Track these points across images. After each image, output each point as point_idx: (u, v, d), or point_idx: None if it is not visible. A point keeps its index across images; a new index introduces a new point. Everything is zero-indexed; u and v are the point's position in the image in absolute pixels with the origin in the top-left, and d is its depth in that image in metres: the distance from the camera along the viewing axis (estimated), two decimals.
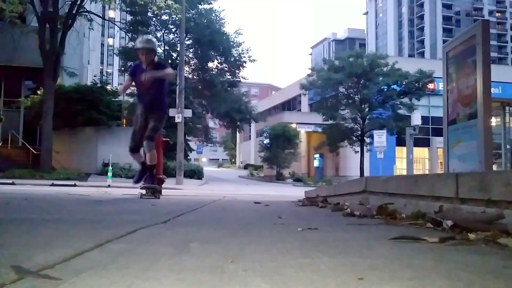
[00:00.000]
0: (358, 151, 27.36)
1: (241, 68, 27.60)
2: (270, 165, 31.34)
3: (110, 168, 13.72)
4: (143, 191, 5.18)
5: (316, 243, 1.47)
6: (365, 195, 3.28)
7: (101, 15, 21.94)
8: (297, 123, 34.33)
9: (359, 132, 27.49)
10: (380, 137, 21.64)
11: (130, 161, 17.69)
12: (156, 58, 5.47)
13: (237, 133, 51.26)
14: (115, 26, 30.16)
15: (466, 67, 4.54)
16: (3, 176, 13.36)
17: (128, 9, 24.55)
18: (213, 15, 26.34)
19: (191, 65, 27.61)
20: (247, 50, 27.29)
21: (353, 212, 2.68)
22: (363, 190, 3.36)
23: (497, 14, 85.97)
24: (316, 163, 34.07)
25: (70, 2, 16.70)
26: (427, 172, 32.60)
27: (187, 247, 1.33)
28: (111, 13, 33.93)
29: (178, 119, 16.83)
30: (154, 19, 25.75)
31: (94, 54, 36.85)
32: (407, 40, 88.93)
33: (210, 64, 27.61)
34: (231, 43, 26.69)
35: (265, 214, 3.02)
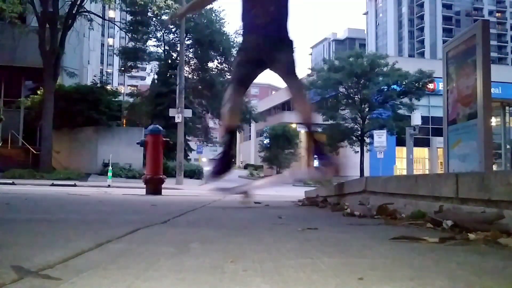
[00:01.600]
0: (358, 151, 27.36)
1: None
2: (270, 165, 31.37)
3: (110, 168, 13.73)
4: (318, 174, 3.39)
5: (316, 243, 1.47)
6: (365, 195, 3.28)
7: (101, 15, 21.96)
8: (297, 123, 34.33)
9: (359, 132, 27.50)
10: (380, 137, 21.65)
11: (130, 161, 17.77)
12: None
13: (237, 133, 51.28)
14: (115, 26, 30.18)
15: (466, 67, 4.54)
16: (3, 176, 13.37)
17: (128, 9, 24.59)
18: (213, 15, 26.37)
19: (191, 65, 27.65)
20: None
21: (353, 212, 2.68)
22: (363, 190, 3.35)
23: (497, 14, 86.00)
24: (316, 163, 34.06)
25: (70, 2, 16.71)
26: (427, 172, 32.59)
27: (187, 247, 1.33)
28: (111, 13, 33.93)
29: (178, 119, 16.85)
30: (154, 19, 25.78)
31: (94, 54, 36.87)
32: (407, 40, 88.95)
33: (210, 64, 27.67)
34: (231, 43, 26.73)
35: (265, 214, 3.02)
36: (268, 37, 3.47)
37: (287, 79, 3.50)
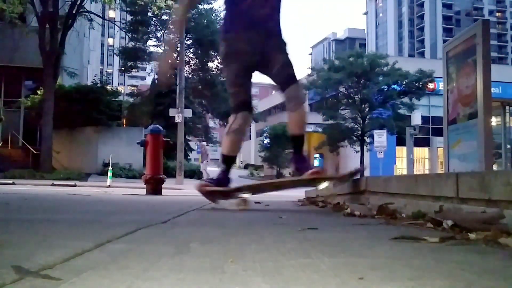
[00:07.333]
0: (358, 151, 27.36)
1: None
2: (271, 165, 31.35)
3: (110, 168, 13.72)
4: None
5: (316, 243, 1.47)
6: (365, 195, 3.28)
7: (101, 15, 21.96)
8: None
9: (359, 132, 27.49)
10: (380, 137, 21.64)
11: (130, 161, 17.76)
12: None
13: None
14: (115, 26, 30.21)
15: (466, 67, 4.54)
16: (3, 176, 13.37)
17: (128, 9, 24.61)
18: (213, 15, 26.39)
19: (191, 65, 27.65)
20: None
21: (353, 212, 2.68)
22: (363, 190, 3.35)
23: (497, 14, 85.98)
24: (316, 163, 34.07)
25: (70, 2, 16.71)
26: (427, 172, 32.60)
27: (187, 247, 1.33)
28: (111, 13, 33.95)
29: (178, 119, 16.85)
30: (154, 19, 25.82)
31: (94, 54, 36.90)
32: (407, 40, 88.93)
33: (210, 64, 27.67)
34: None
35: (265, 214, 3.01)
36: (269, 33, 3.06)
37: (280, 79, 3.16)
